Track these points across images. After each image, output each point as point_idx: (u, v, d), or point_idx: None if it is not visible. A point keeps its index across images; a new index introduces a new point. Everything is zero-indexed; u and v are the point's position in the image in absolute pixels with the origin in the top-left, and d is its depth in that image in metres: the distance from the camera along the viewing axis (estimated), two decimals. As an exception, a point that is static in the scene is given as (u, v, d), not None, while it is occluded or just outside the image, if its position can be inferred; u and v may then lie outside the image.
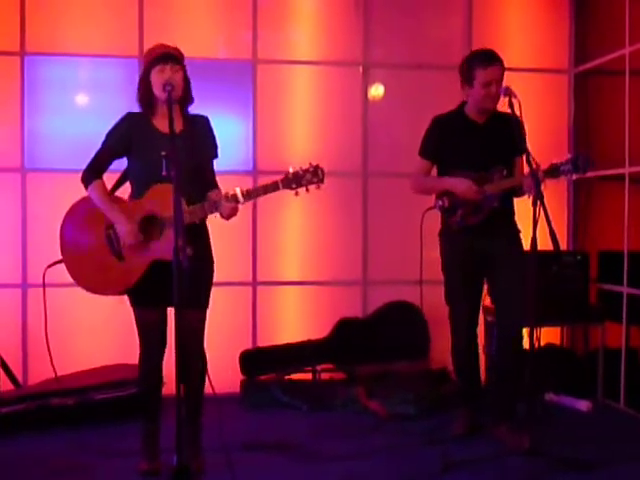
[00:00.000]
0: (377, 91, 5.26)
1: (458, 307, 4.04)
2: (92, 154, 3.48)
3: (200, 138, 3.48)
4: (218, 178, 3.54)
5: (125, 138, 3.44)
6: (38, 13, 4.83)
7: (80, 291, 3.51)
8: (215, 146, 3.56)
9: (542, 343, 4.64)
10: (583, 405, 4.61)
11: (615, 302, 4.75)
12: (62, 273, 3.57)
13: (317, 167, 3.30)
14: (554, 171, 3.72)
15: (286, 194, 3.34)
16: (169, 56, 3.36)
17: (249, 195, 3.31)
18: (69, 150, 4.73)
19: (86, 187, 3.46)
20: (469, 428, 4.08)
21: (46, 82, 4.88)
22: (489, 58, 3.84)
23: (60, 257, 3.54)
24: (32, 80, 4.85)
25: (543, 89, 5.33)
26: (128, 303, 3.50)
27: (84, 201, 3.52)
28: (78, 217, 3.51)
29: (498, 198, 3.84)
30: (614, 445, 3.96)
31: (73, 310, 4.76)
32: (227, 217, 3.35)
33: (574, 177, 3.99)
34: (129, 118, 3.48)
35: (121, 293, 3.46)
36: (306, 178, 3.29)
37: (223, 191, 3.38)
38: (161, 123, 3.41)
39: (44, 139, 4.89)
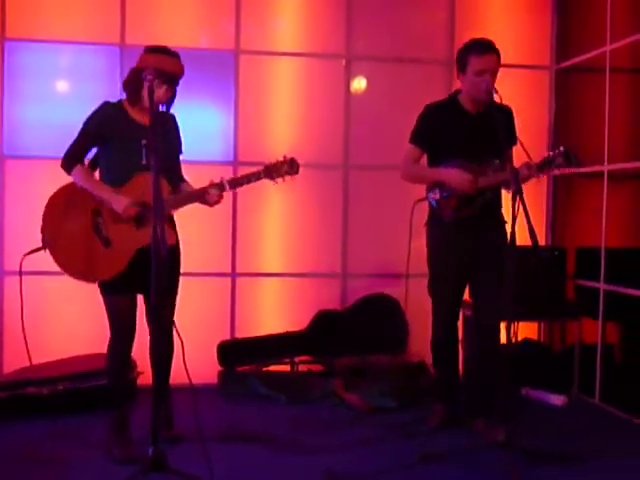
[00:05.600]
0: (359, 84, 5.26)
1: (443, 298, 4.00)
2: (70, 142, 3.49)
3: (170, 133, 3.62)
4: (199, 168, 3.63)
5: (103, 126, 3.48)
6: (19, -2, 4.79)
7: (56, 280, 3.51)
8: (180, 143, 3.71)
9: (519, 338, 4.71)
10: (558, 400, 4.65)
11: (592, 298, 4.78)
12: (39, 261, 3.55)
13: (293, 160, 3.54)
14: (547, 164, 3.67)
15: (265, 185, 3.53)
16: (174, 78, 3.45)
17: (234, 184, 3.53)
18: (48, 137, 4.68)
19: (69, 172, 3.49)
20: (445, 421, 4.10)
21: (26, 68, 4.83)
22: (485, 47, 3.78)
23: (38, 245, 3.52)
24: (12, 66, 4.80)
25: (524, 85, 5.34)
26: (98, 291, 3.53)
27: (65, 189, 3.53)
28: (61, 205, 3.52)
29: (492, 191, 3.81)
30: (588, 439, 4.00)
31: (49, 299, 4.72)
32: (213, 204, 3.53)
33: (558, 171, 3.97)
34: (106, 107, 3.53)
35: (110, 279, 3.46)
36: (284, 169, 3.52)
37: (208, 181, 3.49)
38: (138, 114, 3.50)
39: (23, 126, 4.83)
